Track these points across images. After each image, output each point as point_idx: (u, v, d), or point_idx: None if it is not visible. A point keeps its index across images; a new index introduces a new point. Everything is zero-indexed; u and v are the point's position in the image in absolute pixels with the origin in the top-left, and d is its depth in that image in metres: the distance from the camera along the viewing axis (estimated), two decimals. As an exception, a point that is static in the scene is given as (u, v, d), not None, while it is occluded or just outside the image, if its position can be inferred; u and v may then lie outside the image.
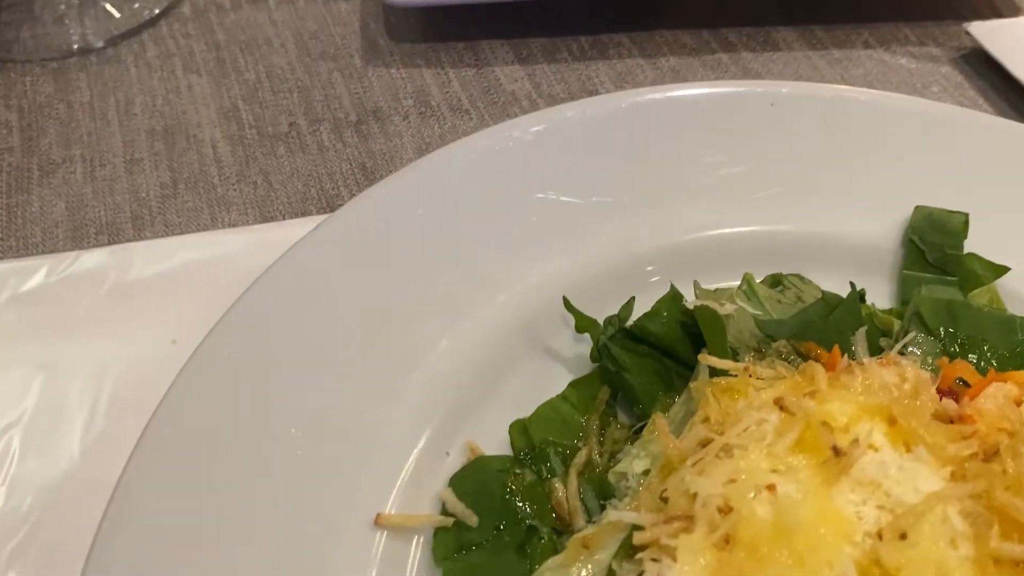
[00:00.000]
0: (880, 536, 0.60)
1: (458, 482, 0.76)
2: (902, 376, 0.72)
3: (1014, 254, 0.90)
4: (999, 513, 0.61)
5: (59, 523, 0.77)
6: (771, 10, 1.28)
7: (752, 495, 0.62)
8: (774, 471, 0.63)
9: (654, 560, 0.62)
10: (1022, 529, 0.60)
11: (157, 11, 1.29)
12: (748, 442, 0.66)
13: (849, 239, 0.93)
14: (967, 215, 0.91)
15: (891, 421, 0.67)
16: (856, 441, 0.63)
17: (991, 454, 0.65)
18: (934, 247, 0.90)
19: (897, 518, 0.59)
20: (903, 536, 0.59)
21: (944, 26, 1.29)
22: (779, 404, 0.67)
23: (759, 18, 1.28)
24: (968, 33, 1.22)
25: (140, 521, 0.68)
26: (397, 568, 0.71)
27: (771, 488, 0.62)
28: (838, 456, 0.62)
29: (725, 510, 0.62)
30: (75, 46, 1.22)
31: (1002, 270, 0.89)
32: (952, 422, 0.69)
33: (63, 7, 1.27)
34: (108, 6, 1.30)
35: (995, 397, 0.71)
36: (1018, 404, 0.71)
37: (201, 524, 0.69)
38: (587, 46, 1.24)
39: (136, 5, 1.30)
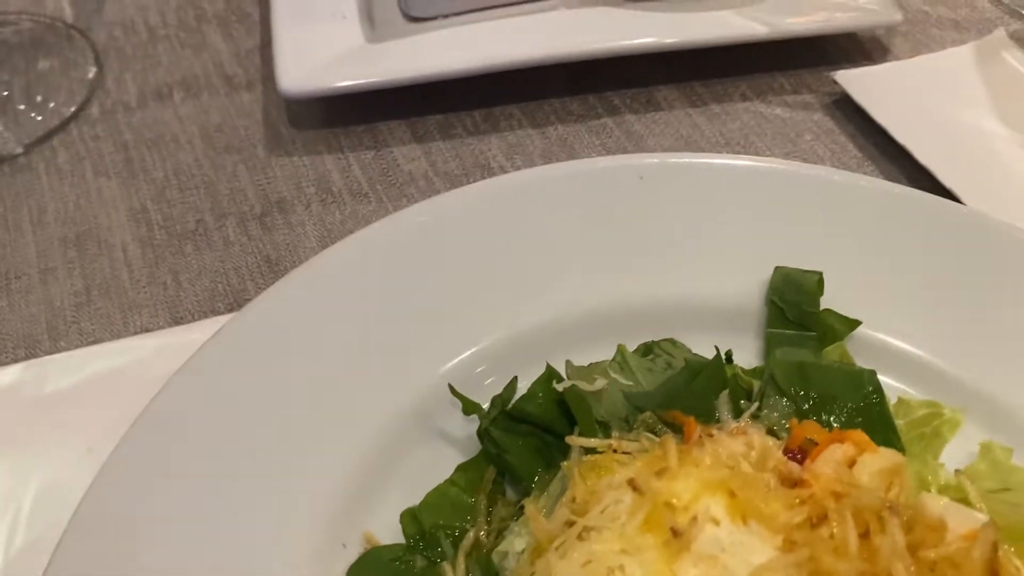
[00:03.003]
0: (717, 609, 0.67)
1: (354, 574, 0.81)
2: (749, 445, 0.79)
3: (867, 305, 0.98)
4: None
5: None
6: (653, 70, 1.36)
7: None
8: (623, 551, 0.70)
9: (521, 644, 0.69)
10: (845, 589, 0.67)
11: (71, 110, 1.33)
12: (604, 523, 0.72)
13: (717, 301, 1.00)
14: (821, 274, 0.98)
15: (732, 494, 0.73)
16: (695, 519, 0.70)
17: (821, 519, 0.72)
18: (792, 305, 0.97)
19: (726, 591, 0.66)
20: (734, 607, 0.65)
21: (817, 73, 1.37)
22: (632, 484, 0.74)
23: (641, 78, 1.35)
24: (832, 79, 1.30)
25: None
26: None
27: (620, 569, 0.68)
28: (677, 536, 0.69)
29: (584, 593, 0.68)
30: (-9, 155, 1.27)
31: (855, 324, 0.97)
32: (796, 485, 0.76)
33: (-27, 112, 1.32)
34: (22, 107, 1.34)
35: (830, 460, 0.78)
36: (851, 464, 0.78)
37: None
38: (480, 120, 1.30)
39: (51, 105, 1.35)
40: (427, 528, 0.85)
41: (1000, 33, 1.37)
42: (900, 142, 1.20)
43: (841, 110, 1.32)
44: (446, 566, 0.82)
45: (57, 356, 1.02)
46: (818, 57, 1.39)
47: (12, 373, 1.00)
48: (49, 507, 0.91)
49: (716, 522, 0.72)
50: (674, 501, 0.72)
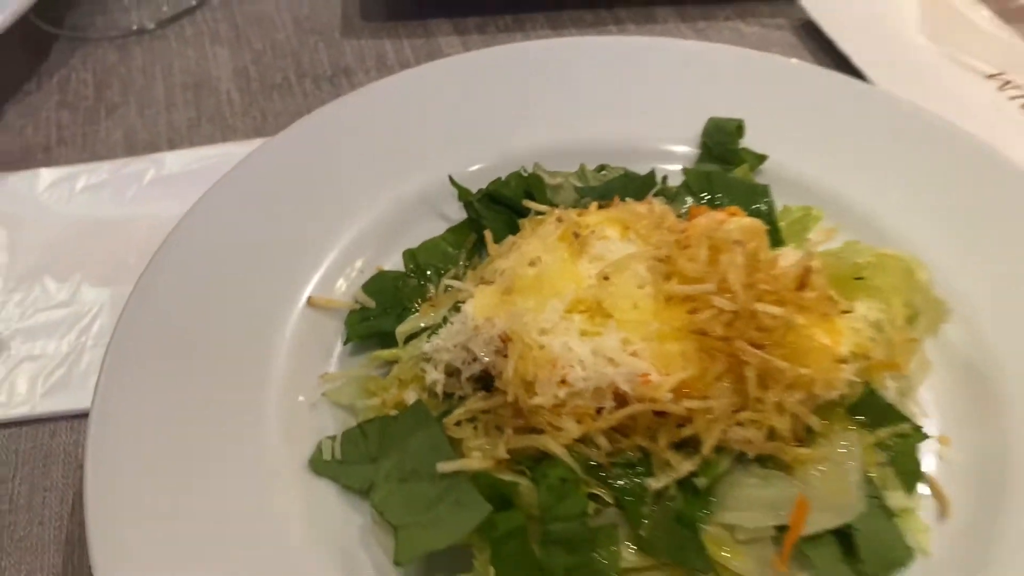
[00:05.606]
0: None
1: (366, 286, 1.14)
2: (651, 209, 1.09)
3: (779, 150, 1.26)
4: (680, 274, 0.97)
5: (115, 307, 1.19)
6: (657, -9, 1.67)
7: (528, 265, 1.00)
8: (543, 251, 1.01)
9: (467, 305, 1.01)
10: (690, 280, 0.96)
11: (194, 2, 1.72)
12: (535, 241, 1.04)
13: (663, 144, 1.30)
14: (742, 121, 1.27)
15: (626, 227, 1.04)
16: (592, 232, 1.01)
17: (687, 247, 1.01)
18: (718, 144, 1.27)
19: (602, 268, 0.97)
20: (606, 278, 0.96)
21: (793, 1, 1.66)
22: (558, 218, 1.05)
23: (646, -2, 1.66)
24: (801, 6, 1.59)
25: (152, 307, 1.07)
26: (320, 332, 1.10)
27: (538, 260, 1.00)
28: (577, 238, 1.00)
29: (512, 275, 1.00)
30: (134, 27, 1.66)
31: (763, 158, 1.26)
32: (681, 236, 1.06)
33: (126, 0, 1.71)
34: (159, -1, 1.74)
35: (709, 217, 1.07)
36: (721, 223, 1.07)
37: (195, 310, 1.08)
38: (510, 22, 1.63)
39: (181, -2, 1.75)
40: (420, 263, 1.17)
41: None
42: (841, 49, 1.48)
43: (807, 31, 1.60)
44: (431, 286, 1.15)
45: (174, 152, 1.39)
46: (797, -11, 1.67)
47: (142, 161, 1.38)
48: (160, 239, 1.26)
49: (608, 238, 1.02)
50: (582, 224, 1.03)
